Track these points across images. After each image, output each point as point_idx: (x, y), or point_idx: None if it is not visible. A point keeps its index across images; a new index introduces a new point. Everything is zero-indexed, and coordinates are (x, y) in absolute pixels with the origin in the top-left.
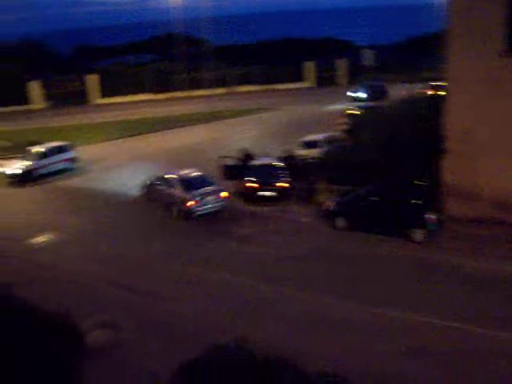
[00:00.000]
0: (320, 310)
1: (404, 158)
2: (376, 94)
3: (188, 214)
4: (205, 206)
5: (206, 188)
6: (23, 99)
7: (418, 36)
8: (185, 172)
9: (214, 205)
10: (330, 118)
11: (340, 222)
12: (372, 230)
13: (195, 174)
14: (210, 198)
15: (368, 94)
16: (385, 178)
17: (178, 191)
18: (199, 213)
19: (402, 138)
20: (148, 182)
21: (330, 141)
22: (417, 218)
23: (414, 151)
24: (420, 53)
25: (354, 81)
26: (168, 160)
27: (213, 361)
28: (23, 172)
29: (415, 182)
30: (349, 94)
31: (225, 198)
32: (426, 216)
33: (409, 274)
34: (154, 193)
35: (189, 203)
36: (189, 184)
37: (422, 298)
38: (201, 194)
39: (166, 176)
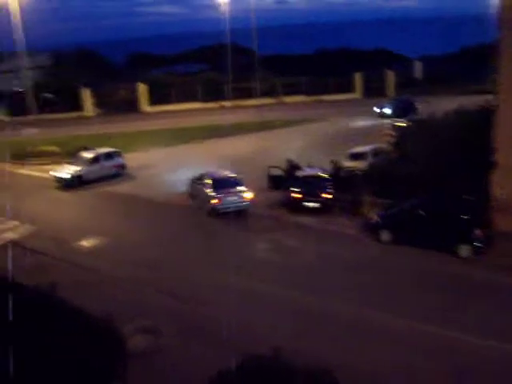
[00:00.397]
0: (362, 322)
1: (452, 171)
2: (403, 109)
3: (213, 211)
4: (228, 205)
5: (232, 188)
6: (77, 106)
7: (470, 47)
8: (217, 172)
9: (237, 205)
10: (376, 130)
11: (384, 235)
12: (417, 243)
13: (226, 174)
14: (233, 198)
15: (394, 110)
16: (431, 191)
17: (207, 189)
18: (222, 210)
19: (450, 150)
20: (190, 181)
21: (376, 153)
22: (464, 234)
23: (463, 164)
24: (473, 64)
25: (402, 92)
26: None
27: (250, 370)
28: (72, 177)
29: (463, 196)
30: (375, 109)
31: (248, 199)
32: (474, 231)
33: (452, 290)
34: (194, 191)
35: (212, 201)
36: (217, 183)
37: (465, 316)
38: (225, 194)
39: (202, 175)
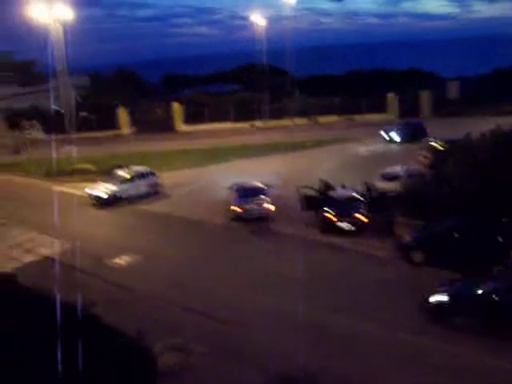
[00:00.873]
0: (392, 345)
1: (488, 193)
2: (412, 134)
3: (236, 217)
4: (249, 212)
5: (255, 197)
6: (113, 125)
7: (504, 68)
8: (244, 182)
9: (257, 212)
10: (411, 151)
11: (417, 257)
12: (450, 266)
13: (251, 184)
14: (254, 206)
15: (402, 134)
16: (466, 213)
17: (233, 198)
18: (242, 216)
19: (487, 172)
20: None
21: (410, 174)
22: (500, 257)
23: (499, 186)
24: (507, 85)
25: (437, 113)
26: None
27: None
28: (107, 195)
29: (498, 218)
30: (381, 133)
31: (269, 209)
32: (510, 254)
33: None
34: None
35: (233, 208)
36: (242, 192)
37: (498, 342)
38: (247, 202)
39: (232, 185)
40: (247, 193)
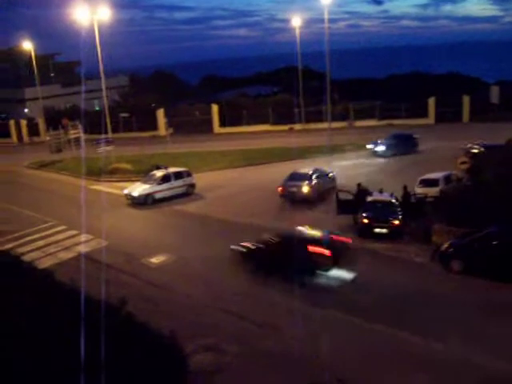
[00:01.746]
0: (422, 355)
1: None
2: (399, 146)
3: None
4: (288, 193)
5: (298, 181)
6: (152, 125)
7: None
8: (299, 168)
9: (296, 195)
10: (451, 156)
11: (456, 265)
12: (490, 275)
13: (303, 170)
14: (293, 189)
15: (390, 147)
16: (507, 220)
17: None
18: (284, 196)
19: None
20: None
21: (449, 180)
22: None
23: None
24: None
25: (478, 118)
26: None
27: None
28: (143, 195)
29: None
30: (368, 146)
31: (306, 192)
32: None
33: None
34: None
35: (278, 187)
36: (291, 176)
37: None
38: (289, 185)
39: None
40: (294, 177)
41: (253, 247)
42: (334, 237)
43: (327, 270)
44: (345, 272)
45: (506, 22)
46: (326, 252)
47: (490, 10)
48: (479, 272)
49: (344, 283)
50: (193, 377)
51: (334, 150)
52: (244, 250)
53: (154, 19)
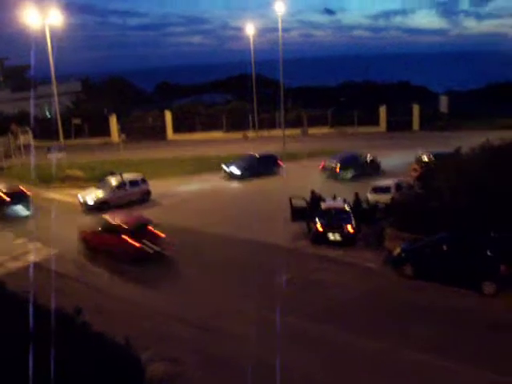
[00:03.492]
0: (388, 361)
1: (478, 207)
2: (259, 167)
3: None
4: None
5: None
6: (104, 132)
7: (496, 83)
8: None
9: None
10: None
11: (407, 270)
12: (440, 279)
13: None
14: None
15: (245, 168)
16: (456, 226)
17: None
18: None
19: (476, 186)
20: None
21: (400, 187)
22: (490, 271)
23: (489, 200)
24: (499, 100)
25: (427, 127)
26: (235, 198)
27: None
28: (97, 202)
29: (488, 232)
30: (223, 167)
31: None
32: (499, 268)
33: (477, 330)
34: None
35: None
36: None
37: (491, 358)
38: None
39: None
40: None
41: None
42: None
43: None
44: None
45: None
46: None
47: (438, 23)
48: (430, 276)
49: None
50: None
51: (288, 156)
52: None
53: (108, 25)
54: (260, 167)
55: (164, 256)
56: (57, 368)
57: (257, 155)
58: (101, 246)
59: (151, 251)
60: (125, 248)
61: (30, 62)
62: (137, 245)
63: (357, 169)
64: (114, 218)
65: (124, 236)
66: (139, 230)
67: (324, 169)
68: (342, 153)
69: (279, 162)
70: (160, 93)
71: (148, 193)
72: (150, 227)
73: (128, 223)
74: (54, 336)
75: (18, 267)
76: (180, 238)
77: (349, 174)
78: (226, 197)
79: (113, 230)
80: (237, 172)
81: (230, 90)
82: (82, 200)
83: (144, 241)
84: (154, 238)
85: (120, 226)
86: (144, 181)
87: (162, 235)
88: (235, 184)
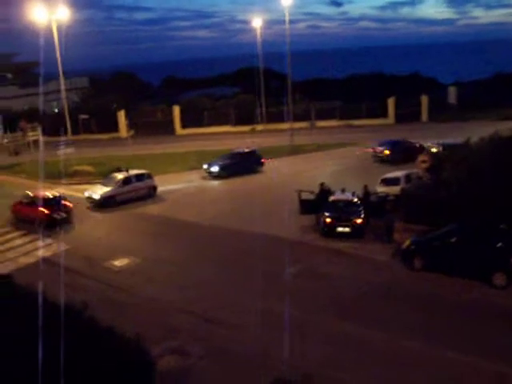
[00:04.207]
0: (397, 352)
1: (487, 198)
2: (241, 165)
3: None
4: None
5: None
6: (112, 127)
7: (505, 73)
8: None
9: None
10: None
11: (417, 262)
12: (450, 271)
13: None
14: None
15: (226, 167)
16: (466, 218)
17: None
18: None
19: (486, 177)
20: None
21: (409, 178)
22: (500, 262)
23: (498, 191)
24: (508, 90)
25: (436, 118)
26: (243, 193)
27: None
28: (104, 197)
29: (498, 224)
30: (204, 166)
31: None
32: (510, 260)
33: (489, 322)
34: None
35: None
36: None
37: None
38: None
39: None
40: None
41: None
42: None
43: None
44: None
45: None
46: None
47: (446, 13)
48: (439, 269)
49: None
50: (160, 379)
51: (295, 150)
52: None
53: (114, 20)
54: (240, 165)
55: (70, 222)
56: (64, 361)
57: (240, 151)
58: (23, 214)
59: (59, 217)
60: (39, 215)
61: (38, 58)
62: (46, 212)
63: (404, 152)
64: (33, 193)
65: (39, 206)
66: (51, 201)
67: (374, 153)
68: (388, 139)
69: (262, 159)
70: (167, 87)
71: (154, 188)
72: (62, 201)
73: (43, 196)
74: (61, 329)
75: (28, 263)
76: (186, 233)
77: (224, 172)
78: (232, 191)
79: (32, 202)
80: (215, 170)
81: (238, 83)
82: (88, 196)
83: (55, 210)
84: (63, 208)
85: (37, 198)
86: (150, 176)
87: (71, 206)
88: (234, 180)
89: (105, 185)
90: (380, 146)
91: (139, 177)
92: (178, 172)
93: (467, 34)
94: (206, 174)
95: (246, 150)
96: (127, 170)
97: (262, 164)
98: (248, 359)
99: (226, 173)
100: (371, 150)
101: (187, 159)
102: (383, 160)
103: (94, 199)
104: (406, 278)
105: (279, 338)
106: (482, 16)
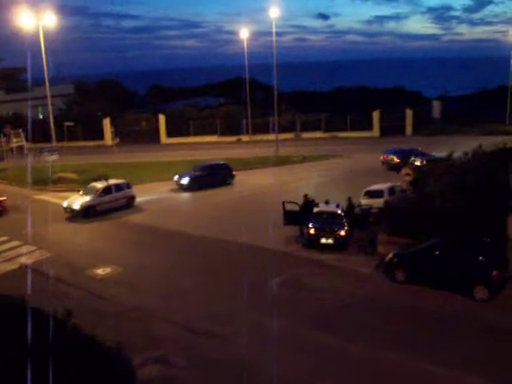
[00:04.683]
0: (379, 365)
1: (470, 212)
2: (211, 177)
3: None
4: None
5: None
6: (97, 135)
7: (489, 88)
8: None
9: None
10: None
11: (400, 275)
12: (433, 284)
13: None
14: None
15: (196, 179)
16: (448, 231)
17: None
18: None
19: (469, 190)
20: None
21: (393, 191)
22: (481, 275)
23: (481, 205)
24: (491, 105)
25: (420, 132)
26: (230, 203)
27: None
28: (84, 207)
29: (480, 237)
30: (175, 178)
31: None
32: (491, 273)
33: (472, 335)
34: None
35: None
36: None
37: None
38: None
39: None
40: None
41: None
42: None
43: None
44: None
45: (446, 41)
46: None
47: (431, 29)
48: (422, 281)
49: None
50: None
51: (280, 161)
52: None
53: (101, 27)
54: (211, 178)
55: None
56: (46, 370)
57: (212, 164)
58: None
59: None
60: None
61: (24, 64)
62: None
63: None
64: None
65: None
66: None
67: (385, 161)
68: (398, 147)
69: (233, 172)
70: (152, 95)
71: (133, 198)
72: None
73: None
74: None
75: (10, 269)
76: (168, 242)
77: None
78: (215, 202)
79: None
80: (185, 182)
81: (224, 93)
82: (67, 206)
83: None
84: None
85: None
86: (129, 186)
87: (3, 199)
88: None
89: (84, 194)
90: (390, 153)
91: (118, 186)
92: (152, 182)
93: (451, 50)
94: (177, 187)
95: (218, 163)
96: (106, 180)
97: (233, 177)
98: (231, 369)
99: (196, 185)
100: (381, 158)
101: (166, 169)
102: (393, 168)
103: (74, 209)
104: (388, 290)
105: (263, 349)
106: (465, 33)
